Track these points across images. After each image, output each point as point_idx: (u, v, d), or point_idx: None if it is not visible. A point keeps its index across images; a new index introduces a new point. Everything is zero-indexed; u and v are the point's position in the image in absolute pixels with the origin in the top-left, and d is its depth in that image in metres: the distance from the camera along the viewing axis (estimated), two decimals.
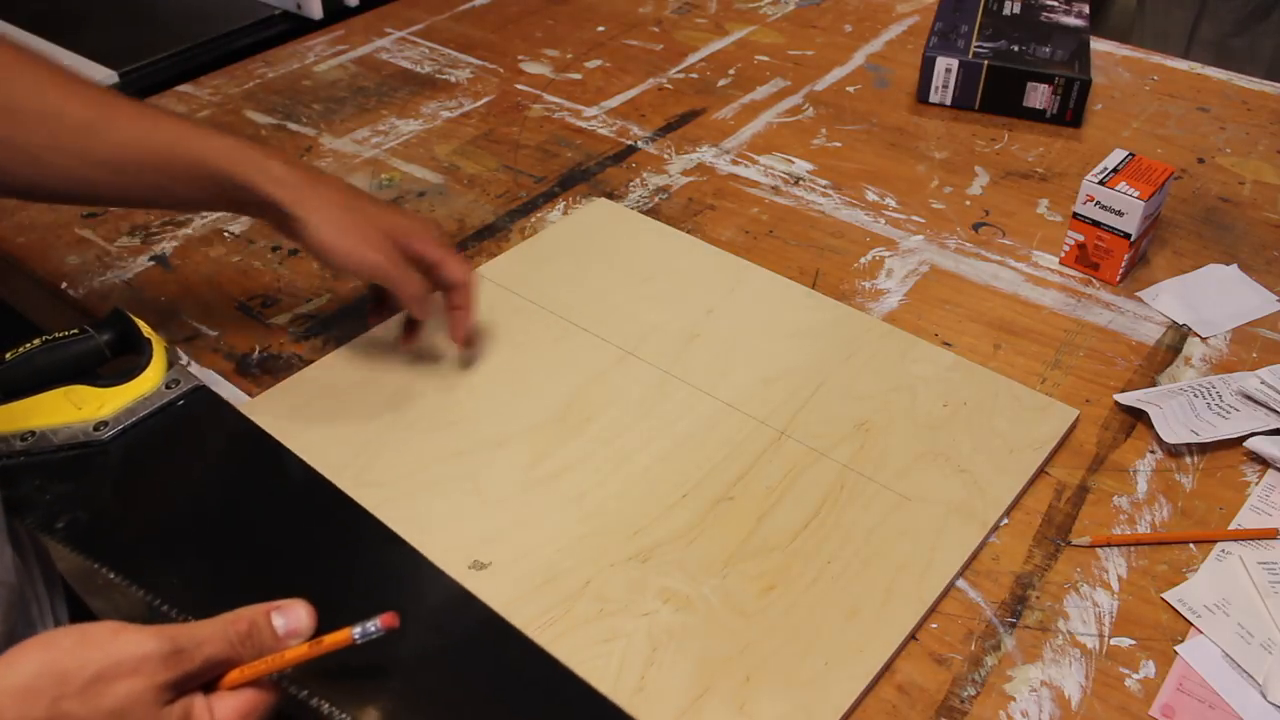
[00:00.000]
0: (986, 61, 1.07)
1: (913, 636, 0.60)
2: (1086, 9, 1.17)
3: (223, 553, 0.55)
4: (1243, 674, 0.58)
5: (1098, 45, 1.22)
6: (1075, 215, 0.86)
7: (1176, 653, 0.60)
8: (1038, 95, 1.07)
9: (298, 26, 1.31)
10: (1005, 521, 0.67)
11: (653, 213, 0.95)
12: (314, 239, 0.62)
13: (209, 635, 0.44)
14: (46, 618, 0.56)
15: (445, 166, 1.02)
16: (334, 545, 0.54)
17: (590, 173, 1.01)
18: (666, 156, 1.03)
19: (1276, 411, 0.72)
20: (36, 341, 0.62)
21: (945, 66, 1.09)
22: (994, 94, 1.08)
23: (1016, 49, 1.09)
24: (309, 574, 0.54)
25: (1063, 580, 0.64)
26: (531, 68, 1.20)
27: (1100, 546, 0.66)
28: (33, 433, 0.58)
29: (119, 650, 0.41)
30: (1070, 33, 1.12)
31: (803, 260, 0.89)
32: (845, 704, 0.56)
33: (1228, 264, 0.89)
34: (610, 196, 0.97)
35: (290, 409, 0.73)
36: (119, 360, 0.64)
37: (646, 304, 0.83)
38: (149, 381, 0.61)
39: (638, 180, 1.00)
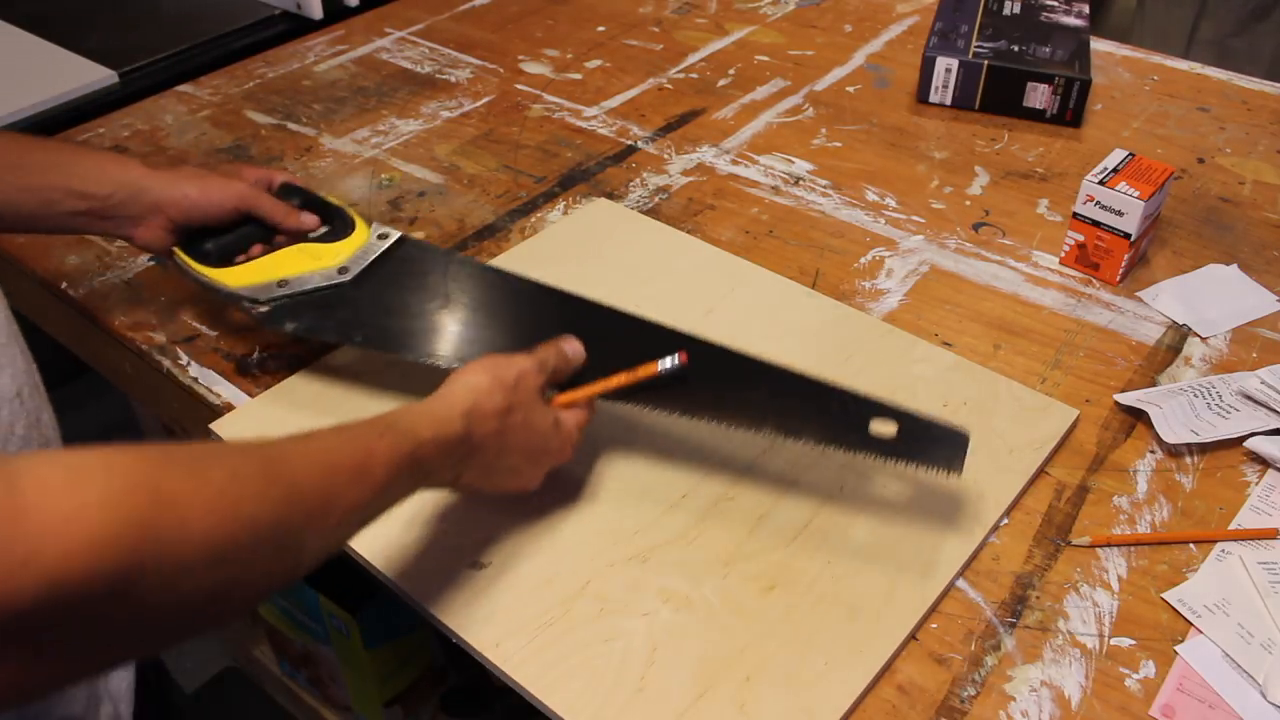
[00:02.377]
0: (986, 61, 1.07)
1: (913, 636, 0.60)
2: (1086, 9, 1.17)
3: (479, 334, 0.73)
4: (1243, 674, 0.58)
5: (1098, 45, 1.22)
6: (1075, 215, 0.86)
7: (1176, 653, 0.60)
8: (1038, 95, 1.07)
9: (298, 26, 1.31)
10: (1005, 521, 0.67)
11: (653, 213, 0.95)
12: (177, 195, 0.70)
13: (544, 355, 0.63)
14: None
15: (445, 166, 1.02)
16: (573, 325, 0.69)
17: (590, 173, 1.01)
18: (666, 156, 1.03)
19: (1276, 411, 0.72)
20: (231, 234, 0.74)
21: (945, 66, 1.09)
22: (994, 94, 1.08)
23: (1016, 49, 1.09)
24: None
25: (1063, 580, 0.64)
26: (531, 68, 1.20)
27: (1100, 546, 0.66)
28: (286, 281, 0.72)
29: (518, 364, 0.61)
30: (1070, 33, 1.13)
31: (803, 260, 0.89)
32: (846, 704, 0.56)
33: (1228, 264, 0.89)
34: (610, 196, 0.97)
35: (290, 408, 0.73)
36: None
37: (646, 304, 0.82)
38: (363, 233, 0.74)
39: (638, 180, 1.00)
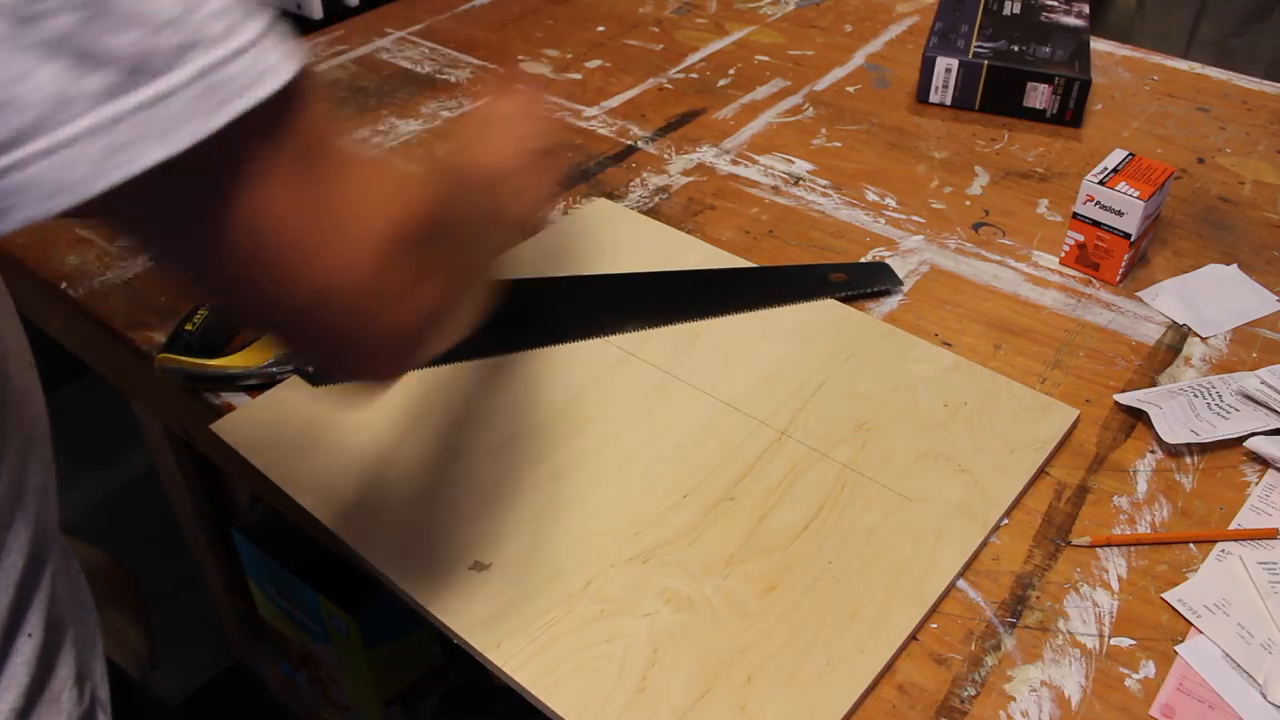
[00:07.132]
0: (986, 61, 1.07)
1: (913, 637, 0.60)
2: (1086, 9, 1.17)
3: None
4: (1243, 674, 0.58)
5: (1098, 45, 1.22)
6: (1075, 215, 0.86)
7: (1176, 653, 0.60)
8: (1038, 95, 1.07)
9: (298, 26, 1.31)
10: (1005, 521, 0.67)
11: (653, 213, 0.95)
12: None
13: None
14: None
15: None
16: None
17: (590, 173, 1.01)
18: (666, 156, 1.03)
19: (1276, 411, 0.72)
20: (204, 311, 0.77)
21: (945, 66, 1.09)
22: (994, 94, 1.08)
23: (1016, 49, 1.09)
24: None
25: (1063, 580, 0.64)
26: (531, 68, 1.20)
27: (1100, 546, 0.66)
28: (278, 358, 0.76)
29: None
30: (1070, 33, 1.13)
31: (803, 260, 0.89)
32: (846, 704, 0.56)
33: (1228, 264, 0.89)
34: (610, 196, 0.97)
35: (291, 412, 0.73)
36: None
37: None
38: None
39: (638, 180, 1.00)
